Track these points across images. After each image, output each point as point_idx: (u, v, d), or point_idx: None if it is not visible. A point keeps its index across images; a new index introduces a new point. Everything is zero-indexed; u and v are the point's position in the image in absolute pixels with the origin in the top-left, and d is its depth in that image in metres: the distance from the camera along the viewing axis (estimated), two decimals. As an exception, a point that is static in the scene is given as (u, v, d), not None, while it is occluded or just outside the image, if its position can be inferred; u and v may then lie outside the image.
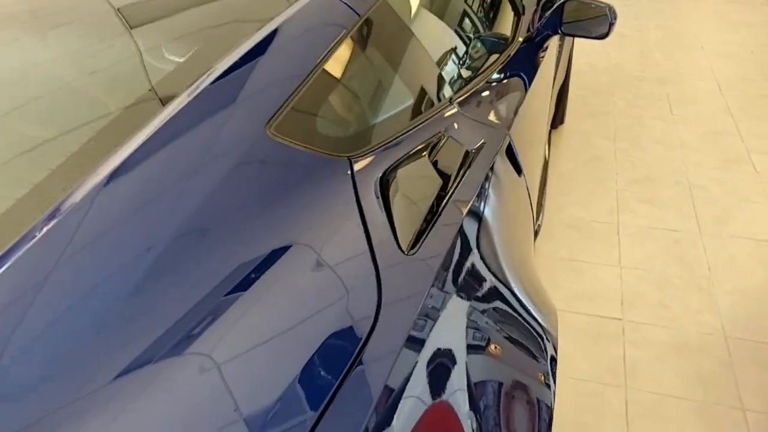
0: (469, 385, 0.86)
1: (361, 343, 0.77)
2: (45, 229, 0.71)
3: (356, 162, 1.04)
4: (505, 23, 2.05)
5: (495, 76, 1.71)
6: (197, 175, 0.84)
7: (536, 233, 2.24)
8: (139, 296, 0.71)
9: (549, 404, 1.01)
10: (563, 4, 2.07)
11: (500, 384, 0.93)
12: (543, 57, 2.06)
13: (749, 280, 2.33)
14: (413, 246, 0.95)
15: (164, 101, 0.93)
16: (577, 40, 4.68)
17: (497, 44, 1.91)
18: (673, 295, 2.28)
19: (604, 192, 2.92)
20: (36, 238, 0.70)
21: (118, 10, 1.20)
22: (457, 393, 0.83)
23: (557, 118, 3.40)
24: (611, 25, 2.05)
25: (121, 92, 0.97)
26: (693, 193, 2.88)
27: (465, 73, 1.58)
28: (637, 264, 2.45)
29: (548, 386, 1.04)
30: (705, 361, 2.01)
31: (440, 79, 1.43)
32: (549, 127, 2.56)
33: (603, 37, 2.05)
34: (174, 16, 1.16)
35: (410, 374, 0.78)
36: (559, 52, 2.59)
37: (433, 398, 0.80)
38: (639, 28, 4.97)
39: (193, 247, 0.77)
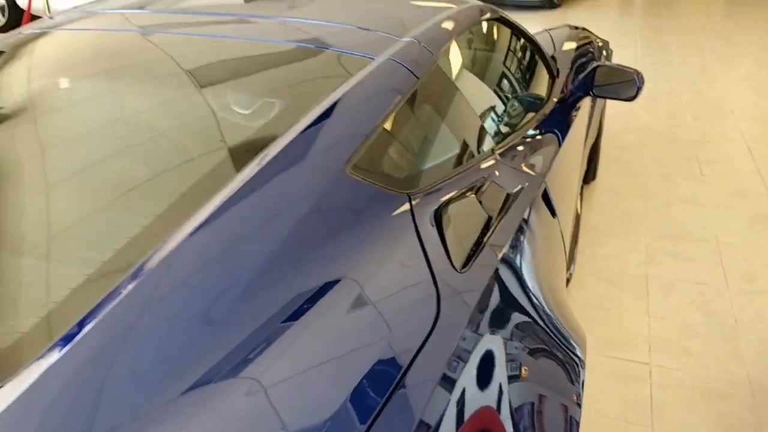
0: (510, 401, 1.00)
1: (416, 351, 0.92)
2: (165, 254, 0.89)
3: (414, 198, 1.22)
4: (541, 84, 2.25)
5: (531, 132, 1.89)
6: (287, 205, 1.02)
7: (568, 281, 2.38)
8: (237, 313, 0.88)
9: (578, 422, 1.15)
10: (595, 68, 2.26)
11: (540, 401, 1.07)
12: (575, 116, 2.24)
13: (774, 332, 2.41)
14: (463, 267, 1.12)
15: (258, 148, 1.12)
16: (609, 101, 4.87)
17: (534, 103, 2.10)
18: (699, 344, 2.38)
19: (634, 245, 3.05)
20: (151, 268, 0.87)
21: (206, 66, 1.42)
22: (501, 405, 0.98)
23: (589, 174, 3.56)
24: (639, 88, 2.23)
25: (208, 141, 1.17)
26: (720, 250, 2.98)
27: (505, 128, 1.77)
28: (664, 314, 2.55)
29: (579, 406, 1.18)
30: (730, 405, 2.09)
31: (483, 132, 1.62)
32: (581, 182, 2.72)
33: (631, 99, 2.23)
34: (259, 74, 1.38)
35: (455, 384, 0.92)
36: (591, 112, 2.77)
37: (479, 407, 0.94)
38: (670, 92, 5.15)
39: (284, 272, 0.95)
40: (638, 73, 2.22)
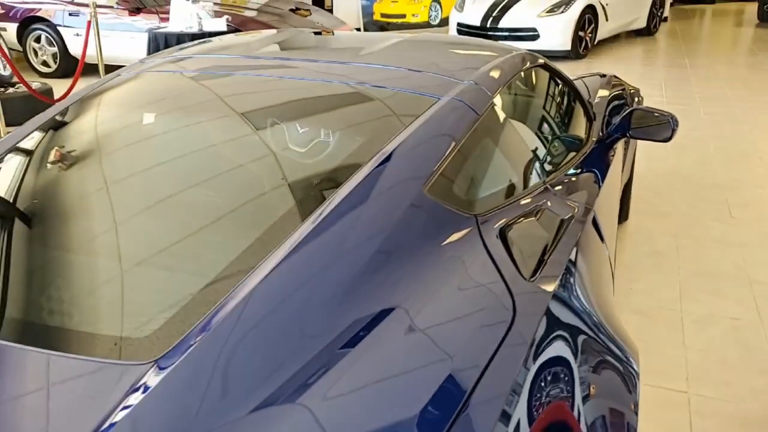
0: (578, 406, 1.12)
1: (497, 346, 1.05)
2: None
3: (480, 219, 1.37)
4: (580, 126, 2.40)
5: (574, 170, 2.04)
6: (378, 219, 1.18)
7: None
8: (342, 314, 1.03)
9: (636, 429, 1.26)
10: (631, 112, 2.41)
11: (604, 408, 1.18)
12: (613, 156, 2.39)
13: (809, 365, 2.48)
14: (531, 277, 1.26)
15: (348, 172, 1.29)
16: (639, 146, 5.02)
17: (574, 143, 2.25)
18: (736, 375, 2.45)
19: (668, 283, 3.14)
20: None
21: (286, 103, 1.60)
22: (571, 408, 1.09)
23: (622, 215, 3.67)
24: (674, 130, 2.37)
25: (303, 167, 1.35)
26: (753, 288, 3.06)
27: (550, 164, 1.92)
28: (700, 347, 2.63)
29: (636, 414, 1.28)
30: (768, 434, 2.15)
31: (533, 165, 1.77)
32: (616, 222, 2.85)
33: (667, 140, 2.37)
34: (346, 110, 1.55)
35: (525, 384, 1.04)
36: (624, 154, 2.91)
37: (550, 408, 1.05)
38: (697, 138, 5.28)
39: (376, 280, 1.10)
40: (672, 116, 2.37)
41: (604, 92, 3.03)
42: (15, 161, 1.52)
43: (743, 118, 5.84)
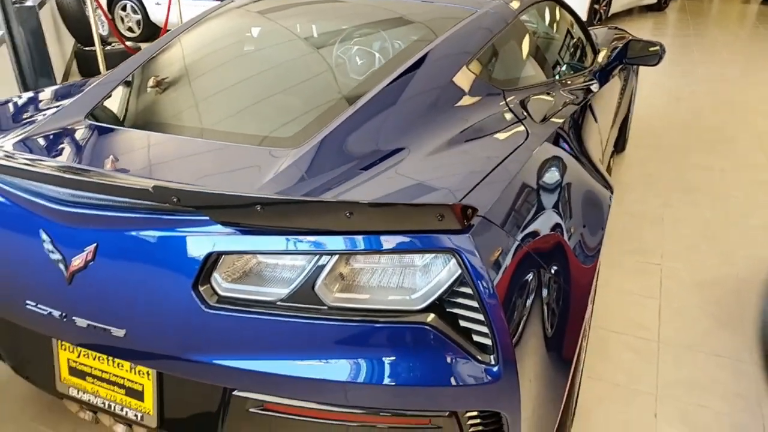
0: (564, 199, 1.51)
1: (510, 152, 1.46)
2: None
3: (506, 92, 1.77)
4: (586, 52, 2.77)
5: (578, 76, 2.41)
6: (437, 83, 1.60)
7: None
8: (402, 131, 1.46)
9: (609, 206, 1.63)
10: (628, 42, 2.76)
11: (581, 224, 1.54)
12: (612, 77, 2.75)
13: None
14: (541, 121, 1.67)
15: (416, 52, 1.70)
16: (641, 99, 5.31)
17: (580, 60, 2.62)
18: (700, 257, 2.83)
19: (655, 195, 3.50)
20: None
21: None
22: (559, 201, 1.46)
23: (619, 144, 4.01)
24: (661, 57, 2.72)
25: (382, 54, 1.77)
26: (727, 201, 3.41)
27: (560, 68, 2.30)
28: (676, 237, 3.01)
29: (603, 229, 1.66)
30: (719, 290, 2.54)
31: (547, 65, 2.16)
32: (612, 146, 3.21)
33: (655, 65, 2.72)
34: (407, 17, 1.96)
35: (522, 176, 1.43)
36: (623, 89, 3.25)
37: (548, 206, 1.45)
38: (692, 92, 5.53)
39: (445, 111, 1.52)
40: (661, 45, 2.71)
41: (608, 35, 3.36)
42: (176, 48, 1.99)
43: (736, 79, 6.05)
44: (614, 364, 2.12)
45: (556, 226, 1.36)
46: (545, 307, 1.23)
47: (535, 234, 1.27)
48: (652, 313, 2.40)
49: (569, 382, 1.38)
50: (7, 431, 1.87)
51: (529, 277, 1.20)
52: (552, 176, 1.49)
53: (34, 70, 4.66)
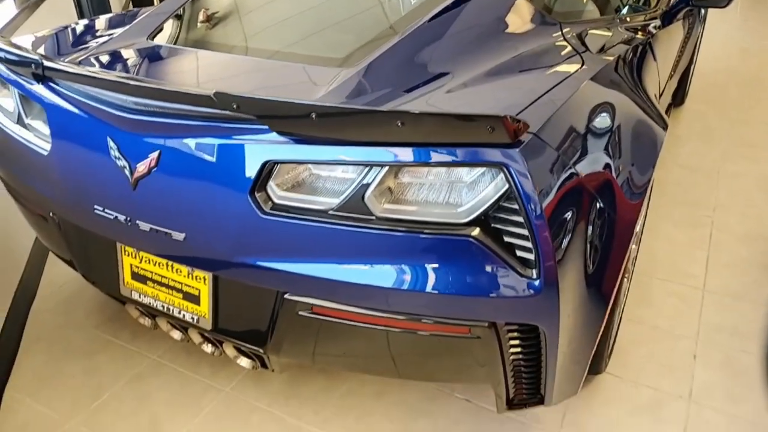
0: (616, 133, 1.48)
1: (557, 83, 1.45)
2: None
3: (563, 25, 1.74)
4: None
5: (639, 16, 2.33)
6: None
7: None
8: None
9: (661, 143, 1.60)
10: (694, -15, 2.64)
11: (630, 162, 1.51)
12: (677, 21, 2.65)
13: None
14: (598, 52, 1.64)
15: None
16: (707, 50, 5.08)
17: (644, 9, 2.53)
18: (752, 210, 2.75)
19: (712, 149, 3.39)
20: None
21: None
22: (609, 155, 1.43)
23: (678, 97, 3.87)
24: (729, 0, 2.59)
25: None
26: (788, 157, 3.28)
27: (621, 8, 2.23)
28: (730, 191, 2.92)
29: (653, 167, 1.62)
30: (774, 244, 2.48)
31: (608, 6, 2.10)
32: (670, 96, 3.09)
33: (724, 6, 2.59)
34: None
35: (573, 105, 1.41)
36: (686, 37, 3.12)
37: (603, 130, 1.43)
38: (762, 47, 5.25)
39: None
40: (730, -15, 2.59)
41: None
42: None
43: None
44: (656, 309, 2.12)
45: (607, 156, 1.36)
46: (589, 231, 1.24)
47: (584, 159, 1.27)
48: (700, 263, 2.37)
49: (608, 311, 1.40)
50: (72, 337, 2.03)
51: (576, 199, 1.21)
52: (605, 107, 1.47)
53: (92, 9, 4.78)
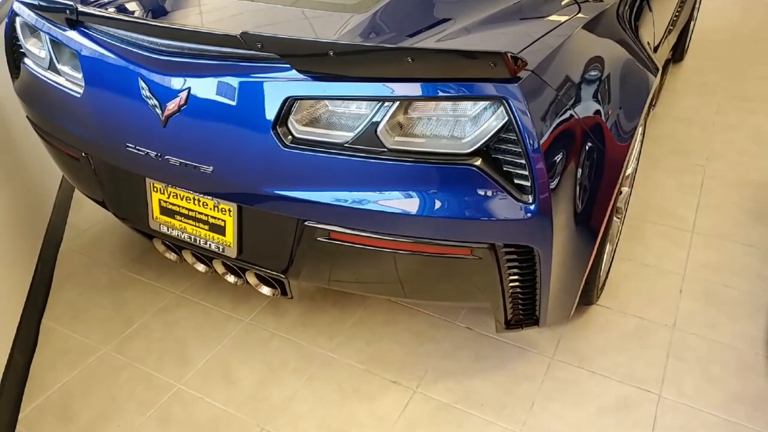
0: (608, 75, 1.59)
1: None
2: None
3: None
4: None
5: None
6: None
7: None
8: None
9: (650, 87, 1.71)
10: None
11: (619, 107, 1.61)
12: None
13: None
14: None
15: None
16: (709, 8, 5.10)
17: None
18: (746, 158, 2.86)
19: (708, 102, 3.48)
20: None
21: None
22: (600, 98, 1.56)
23: (677, 53, 3.94)
24: None
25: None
26: (781, 110, 3.37)
27: None
28: (723, 141, 3.03)
29: (652, 84, 1.71)
30: (761, 190, 2.60)
31: None
32: (669, 50, 3.16)
33: None
34: None
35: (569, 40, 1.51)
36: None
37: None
38: (763, 6, 5.27)
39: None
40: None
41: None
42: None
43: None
44: (646, 248, 2.25)
45: (600, 94, 1.47)
46: (581, 159, 1.36)
47: (578, 96, 1.38)
48: (690, 208, 2.50)
49: (598, 242, 1.53)
50: (100, 275, 2.17)
51: (569, 131, 1.33)
52: (598, 52, 1.58)
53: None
